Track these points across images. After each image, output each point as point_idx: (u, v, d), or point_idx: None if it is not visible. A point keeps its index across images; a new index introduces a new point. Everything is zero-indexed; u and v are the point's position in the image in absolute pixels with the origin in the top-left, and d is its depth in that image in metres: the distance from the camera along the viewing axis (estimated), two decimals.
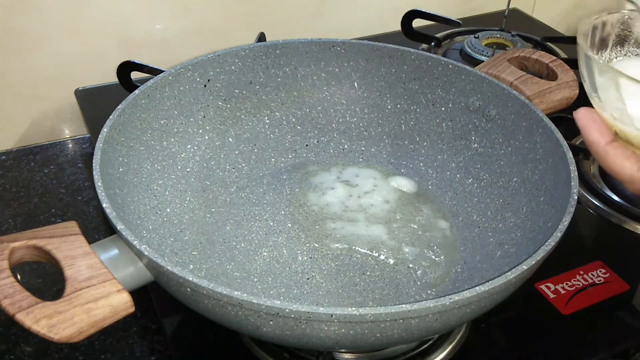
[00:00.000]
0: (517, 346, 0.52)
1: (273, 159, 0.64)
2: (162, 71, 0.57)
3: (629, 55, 0.43)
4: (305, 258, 0.55)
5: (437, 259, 0.55)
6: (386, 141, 0.65)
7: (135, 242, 0.39)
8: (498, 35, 0.88)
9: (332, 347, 0.47)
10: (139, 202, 0.52)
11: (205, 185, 0.59)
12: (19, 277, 0.49)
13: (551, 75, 0.62)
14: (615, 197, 0.64)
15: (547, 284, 0.55)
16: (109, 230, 0.54)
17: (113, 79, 0.68)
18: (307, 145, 0.66)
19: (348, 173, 0.64)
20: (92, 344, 0.52)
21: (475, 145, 0.60)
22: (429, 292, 0.52)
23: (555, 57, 0.63)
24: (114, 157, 0.50)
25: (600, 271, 0.57)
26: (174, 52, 0.80)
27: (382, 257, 0.55)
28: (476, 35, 0.87)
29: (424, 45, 0.86)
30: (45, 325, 0.35)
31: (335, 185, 0.62)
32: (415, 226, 0.58)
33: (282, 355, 0.49)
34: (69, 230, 0.41)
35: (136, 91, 0.53)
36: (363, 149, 0.66)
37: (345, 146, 0.66)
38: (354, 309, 0.35)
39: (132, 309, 0.39)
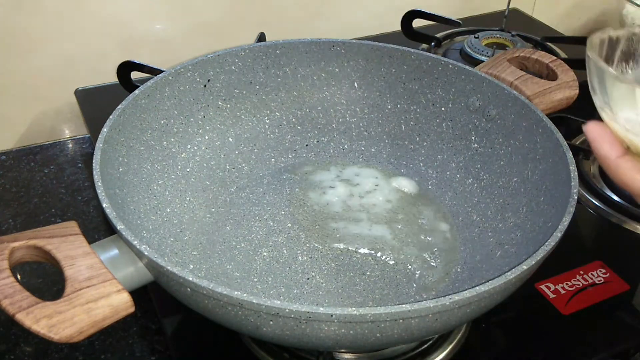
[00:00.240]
0: (517, 346, 0.52)
1: (273, 159, 0.64)
2: (162, 71, 0.57)
3: (633, 71, 0.43)
4: (305, 258, 0.55)
5: (437, 259, 0.55)
6: (386, 141, 0.65)
7: (135, 242, 0.39)
8: (498, 35, 0.88)
9: (332, 347, 0.47)
10: (139, 202, 0.52)
11: (205, 185, 0.59)
12: (19, 277, 0.49)
13: (551, 75, 0.62)
14: (615, 197, 0.64)
15: (547, 284, 0.55)
16: (109, 230, 0.54)
17: (113, 79, 0.68)
18: (307, 145, 0.66)
19: (348, 173, 0.64)
20: (92, 344, 0.52)
21: (475, 145, 0.60)
22: (429, 292, 0.52)
23: (555, 57, 0.63)
24: (114, 157, 0.50)
25: (600, 271, 0.57)
26: (174, 52, 0.80)
27: (382, 257, 0.55)
28: (476, 35, 0.87)
29: (424, 45, 0.86)
30: (45, 325, 0.35)
31: (335, 185, 0.62)
32: (416, 227, 0.58)
33: (282, 355, 0.49)
34: (69, 230, 0.41)
35: (136, 91, 0.53)
36: (363, 149, 0.66)
37: (345, 146, 0.66)
38: (354, 309, 0.35)
39: (132, 309, 0.39)
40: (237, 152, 0.62)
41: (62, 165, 0.73)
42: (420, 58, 0.62)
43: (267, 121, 0.64)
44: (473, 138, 0.60)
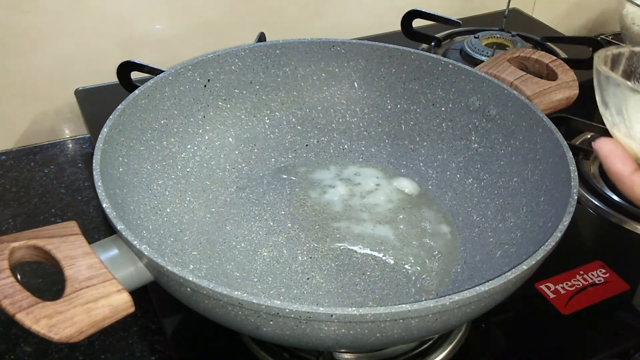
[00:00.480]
0: (517, 346, 0.52)
1: (273, 159, 0.64)
2: (162, 71, 0.57)
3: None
4: (305, 258, 0.55)
5: (437, 259, 0.55)
6: (386, 141, 0.65)
7: (135, 242, 0.39)
8: (498, 35, 0.88)
9: (332, 347, 0.47)
10: (139, 202, 0.52)
11: (205, 185, 0.59)
12: (19, 277, 0.49)
13: (551, 75, 0.62)
14: (615, 197, 0.64)
15: (547, 284, 0.55)
16: (109, 230, 0.54)
17: (113, 79, 0.68)
18: (307, 145, 0.66)
19: (348, 173, 0.64)
20: (92, 344, 0.52)
21: (475, 145, 0.60)
22: (428, 292, 0.52)
23: (555, 57, 0.63)
24: (114, 157, 0.50)
25: (600, 271, 0.57)
26: (174, 52, 0.80)
27: (382, 257, 0.55)
28: (476, 35, 0.87)
29: (424, 45, 0.86)
30: (45, 325, 0.35)
31: (335, 185, 0.62)
32: (417, 228, 0.58)
33: (282, 355, 0.49)
34: (69, 230, 0.41)
35: (136, 91, 0.53)
36: (363, 149, 0.66)
37: (345, 146, 0.66)
38: (354, 309, 0.35)
39: (132, 309, 0.39)
40: (237, 152, 0.62)
41: (62, 165, 0.73)
42: (420, 58, 0.62)
43: (267, 121, 0.64)
44: (473, 138, 0.60)
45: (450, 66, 0.60)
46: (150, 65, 0.68)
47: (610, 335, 0.52)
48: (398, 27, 0.84)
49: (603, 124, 0.70)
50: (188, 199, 0.57)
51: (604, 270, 0.57)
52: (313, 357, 0.49)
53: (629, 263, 0.59)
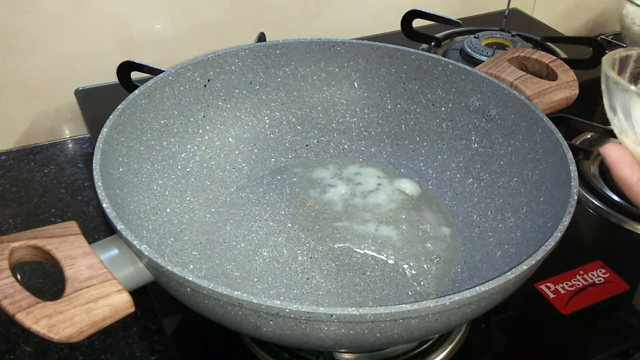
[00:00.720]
0: (517, 346, 0.52)
1: (273, 159, 0.64)
2: (162, 71, 0.57)
3: None
4: (305, 258, 0.55)
5: (437, 259, 0.55)
6: (386, 141, 0.65)
7: (135, 242, 0.39)
8: (498, 35, 0.88)
9: (332, 347, 0.47)
10: (139, 202, 0.52)
11: (205, 185, 0.59)
12: (19, 277, 0.49)
13: (551, 75, 0.62)
14: (615, 197, 0.64)
15: (547, 284, 0.55)
16: (109, 230, 0.54)
17: (113, 79, 0.68)
18: (307, 145, 0.66)
19: (348, 173, 0.64)
20: (92, 344, 0.52)
21: (475, 145, 0.60)
22: (429, 292, 0.52)
23: (555, 57, 0.63)
24: (114, 157, 0.50)
25: (600, 271, 0.57)
26: (174, 52, 0.80)
27: (382, 257, 0.55)
28: (476, 35, 0.87)
29: (424, 45, 0.86)
30: (45, 325, 0.35)
31: (335, 185, 0.62)
32: (418, 228, 0.58)
33: (282, 355, 0.49)
34: (69, 230, 0.41)
35: (136, 91, 0.53)
36: (363, 149, 0.66)
37: (345, 146, 0.66)
38: (354, 309, 0.35)
39: (132, 309, 0.39)
40: (237, 152, 0.62)
41: (62, 165, 0.73)
42: (420, 58, 0.62)
43: (267, 121, 0.64)
44: (473, 138, 0.60)
45: (450, 66, 0.60)
46: (150, 65, 0.68)
47: (610, 335, 0.52)
48: (398, 27, 0.84)
49: (603, 123, 0.70)
50: (188, 199, 0.57)
51: (604, 270, 0.57)
52: (313, 357, 0.49)
53: (629, 263, 0.59)
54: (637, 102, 0.36)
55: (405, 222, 0.58)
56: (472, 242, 0.56)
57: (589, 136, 0.73)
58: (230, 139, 0.62)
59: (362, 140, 0.66)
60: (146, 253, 0.39)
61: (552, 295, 0.54)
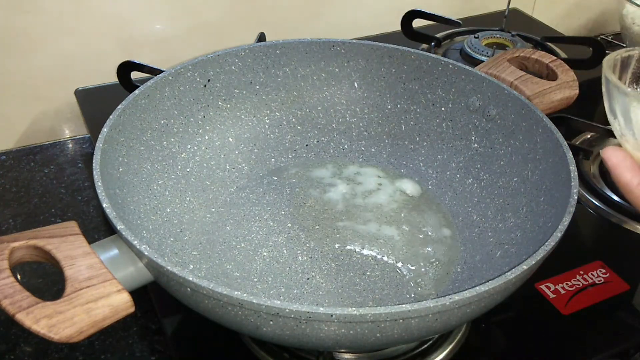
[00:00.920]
0: (517, 346, 0.52)
1: (273, 159, 0.64)
2: (162, 71, 0.57)
3: None
4: (305, 258, 0.55)
5: (437, 259, 0.55)
6: (386, 141, 0.65)
7: (135, 242, 0.39)
8: (498, 35, 0.88)
9: (332, 347, 0.47)
10: (139, 202, 0.52)
11: (205, 185, 0.59)
12: (19, 277, 0.49)
13: (551, 75, 0.62)
14: (615, 197, 0.64)
15: (547, 284, 0.55)
16: (109, 230, 0.54)
17: (113, 79, 0.68)
18: (307, 145, 0.66)
19: (348, 173, 0.64)
20: (92, 344, 0.52)
21: (475, 145, 0.60)
22: (429, 292, 0.52)
23: (555, 57, 0.63)
24: (114, 157, 0.50)
25: (600, 271, 0.57)
26: (174, 52, 0.80)
27: (382, 257, 0.55)
28: (476, 35, 0.87)
29: (424, 45, 0.86)
30: (45, 325, 0.35)
31: (335, 185, 0.62)
32: (417, 227, 0.58)
33: (282, 355, 0.49)
34: (69, 230, 0.41)
35: (136, 91, 0.53)
36: (363, 149, 0.66)
37: (345, 146, 0.66)
38: (354, 309, 0.35)
39: (132, 309, 0.39)
40: (237, 152, 0.62)
41: (62, 165, 0.73)
42: (420, 58, 0.62)
43: (267, 121, 0.64)
44: (473, 138, 0.60)
45: (450, 66, 0.60)
46: (150, 65, 0.68)
47: (610, 335, 0.52)
48: (398, 27, 0.84)
49: (603, 123, 0.70)
50: (188, 199, 0.57)
51: (604, 270, 0.57)
52: (313, 357, 0.49)
53: (629, 263, 0.59)
54: (636, 106, 0.36)
55: (405, 222, 0.58)
56: (472, 242, 0.56)
57: (589, 136, 0.73)
58: (230, 139, 0.62)
59: (362, 140, 0.66)
60: (146, 253, 0.39)
61: (552, 295, 0.54)
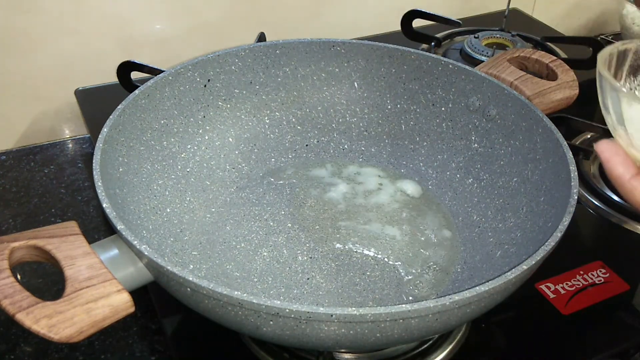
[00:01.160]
0: (517, 346, 0.52)
1: (273, 159, 0.64)
2: (162, 71, 0.57)
3: None
4: (305, 258, 0.55)
5: (437, 259, 0.55)
6: (386, 141, 0.65)
7: (135, 242, 0.39)
8: (498, 35, 0.88)
9: (332, 347, 0.47)
10: (139, 202, 0.52)
11: (205, 185, 0.59)
12: (19, 277, 0.49)
13: (551, 75, 0.62)
14: (615, 197, 0.64)
15: (547, 284, 0.55)
16: (109, 230, 0.54)
17: (113, 79, 0.68)
18: (307, 145, 0.66)
19: (348, 173, 0.64)
20: (92, 344, 0.52)
21: (475, 145, 0.60)
22: (429, 292, 0.52)
23: (555, 57, 0.63)
24: (114, 157, 0.50)
25: (600, 271, 0.57)
26: (174, 52, 0.80)
27: (382, 257, 0.55)
28: (476, 35, 0.87)
29: (424, 45, 0.86)
30: (45, 325, 0.35)
31: (335, 185, 0.62)
32: (417, 227, 0.58)
33: (282, 355, 0.49)
34: (69, 230, 0.41)
35: (136, 91, 0.53)
36: (363, 149, 0.66)
37: (345, 146, 0.66)
38: (354, 309, 0.35)
39: (132, 309, 0.39)
40: (237, 152, 0.62)
41: (62, 165, 0.73)
42: (420, 58, 0.62)
43: (267, 121, 0.64)
44: (473, 138, 0.60)
45: (450, 66, 0.60)
46: (150, 65, 0.68)
47: (610, 335, 0.52)
48: (398, 27, 0.84)
49: (603, 124, 0.70)
50: (188, 199, 0.57)
51: (604, 270, 0.57)
52: (313, 357, 0.49)
53: (629, 263, 0.59)
54: (627, 103, 0.36)
55: (406, 222, 0.58)
56: (472, 242, 0.56)
57: (589, 136, 0.73)
58: (230, 139, 0.62)
59: (362, 140, 0.66)
60: (146, 253, 0.39)
61: (552, 295, 0.54)
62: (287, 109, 0.65)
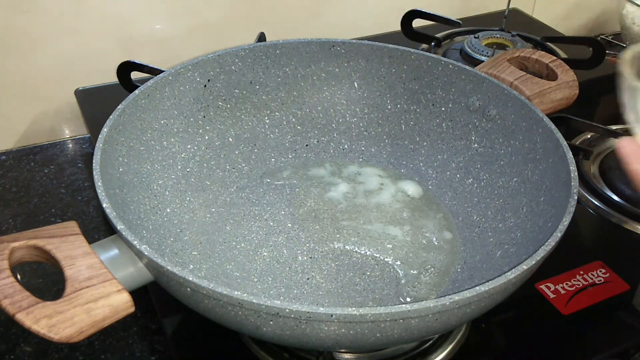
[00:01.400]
0: (517, 346, 0.52)
1: (273, 159, 0.64)
2: (162, 71, 0.57)
3: None
4: (305, 258, 0.55)
5: (437, 260, 0.55)
6: (386, 141, 0.65)
7: (135, 242, 0.39)
8: (498, 35, 0.88)
9: (332, 347, 0.47)
10: (139, 202, 0.52)
11: (205, 185, 0.59)
12: (19, 277, 0.49)
13: (551, 75, 0.62)
14: (615, 197, 0.64)
15: (547, 284, 0.55)
16: (109, 230, 0.54)
17: (113, 79, 0.68)
18: (307, 145, 0.66)
19: (348, 173, 0.64)
20: (92, 344, 0.52)
21: (475, 145, 0.60)
22: (429, 292, 0.52)
23: (555, 57, 0.63)
24: (114, 157, 0.50)
25: (600, 271, 0.57)
26: (174, 52, 0.80)
27: (382, 257, 0.55)
28: (476, 35, 0.87)
29: (424, 45, 0.86)
30: (45, 325, 0.35)
31: (336, 185, 0.62)
32: (417, 228, 0.58)
33: (282, 355, 0.49)
34: (69, 230, 0.41)
35: (136, 91, 0.53)
36: (363, 149, 0.66)
37: (345, 146, 0.66)
38: (354, 309, 0.35)
39: (132, 309, 0.39)
40: (237, 152, 0.62)
41: (62, 165, 0.73)
42: (420, 58, 0.62)
43: (267, 121, 0.64)
44: (473, 138, 0.60)
45: (450, 66, 0.60)
46: (150, 65, 0.68)
47: (610, 335, 0.52)
48: (398, 27, 0.84)
49: (603, 123, 0.70)
50: (188, 199, 0.57)
51: (604, 270, 0.57)
52: (313, 357, 0.49)
53: (629, 263, 0.59)
54: None
55: (407, 223, 0.58)
56: (472, 242, 0.56)
57: (589, 136, 0.73)
58: (230, 139, 0.62)
59: (362, 140, 0.66)
60: (146, 253, 0.39)
61: (552, 295, 0.54)
62: (287, 109, 0.65)
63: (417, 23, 0.83)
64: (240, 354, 0.50)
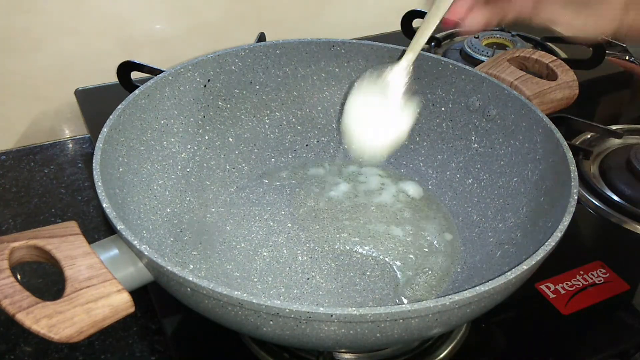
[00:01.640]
0: (517, 346, 0.52)
1: (273, 159, 0.64)
2: (162, 71, 0.57)
3: None
4: (305, 258, 0.55)
5: (437, 259, 0.55)
6: None
7: (135, 242, 0.39)
8: (498, 35, 0.88)
9: (332, 347, 0.47)
10: (139, 202, 0.52)
11: (205, 185, 0.59)
12: (19, 277, 0.49)
13: (551, 75, 0.62)
14: (615, 197, 0.64)
15: (547, 284, 0.55)
16: (109, 230, 0.54)
17: (113, 79, 0.68)
18: (307, 145, 0.66)
19: (348, 173, 0.64)
20: (92, 344, 0.52)
21: (475, 145, 0.60)
22: (429, 292, 0.52)
23: (555, 57, 0.63)
24: (114, 157, 0.50)
25: (600, 271, 0.57)
26: (174, 52, 0.80)
27: (382, 257, 0.55)
28: (476, 35, 0.87)
29: (424, 45, 0.86)
30: (45, 325, 0.35)
31: (336, 185, 0.62)
32: (418, 228, 0.58)
33: (282, 355, 0.49)
34: (69, 230, 0.41)
35: (136, 91, 0.53)
36: None
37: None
38: (354, 309, 0.35)
39: (132, 309, 0.39)
40: (237, 152, 0.62)
41: (62, 165, 0.73)
42: (420, 58, 0.61)
43: (267, 121, 0.64)
44: (473, 138, 0.60)
45: (450, 66, 0.60)
46: (150, 65, 0.68)
47: (610, 335, 0.53)
48: (398, 27, 0.84)
49: (603, 124, 0.70)
50: (188, 199, 0.57)
51: (604, 270, 0.57)
52: (313, 357, 0.49)
53: (629, 263, 0.59)
54: None
55: (407, 223, 0.58)
56: (472, 242, 0.56)
57: (589, 136, 0.73)
58: (230, 139, 0.62)
59: None
60: (146, 253, 0.39)
61: (552, 295, 0.54)
62: (287, 109, 0.65)
63: (417, 23, 0.83)
64: (240, 354, 0.50)
